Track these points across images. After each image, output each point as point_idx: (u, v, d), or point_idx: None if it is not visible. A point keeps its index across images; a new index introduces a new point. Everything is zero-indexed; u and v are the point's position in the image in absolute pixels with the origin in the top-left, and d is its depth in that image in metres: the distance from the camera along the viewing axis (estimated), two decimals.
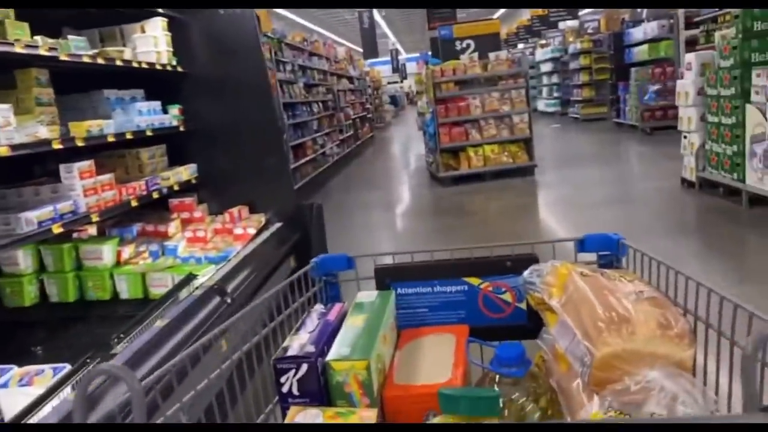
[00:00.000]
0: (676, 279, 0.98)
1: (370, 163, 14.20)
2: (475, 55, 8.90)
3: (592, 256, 1.23)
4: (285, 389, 0.94)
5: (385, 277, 1.23)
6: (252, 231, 3.80)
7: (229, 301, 2.77)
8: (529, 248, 1.23)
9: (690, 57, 6.73)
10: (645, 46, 12.71)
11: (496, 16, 27.61)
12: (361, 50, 23.16)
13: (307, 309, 1.18)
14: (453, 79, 8.80)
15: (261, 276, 3.38)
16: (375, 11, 21.96)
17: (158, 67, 3.61)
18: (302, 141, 10.35)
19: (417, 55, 32.18)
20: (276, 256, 3.76)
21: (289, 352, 0.95)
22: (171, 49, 3.79)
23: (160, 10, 3.74)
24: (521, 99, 8.82)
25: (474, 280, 1.20)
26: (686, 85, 6.72)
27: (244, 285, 3.08)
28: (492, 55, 8.87)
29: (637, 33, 13.12)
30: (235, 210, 3.95)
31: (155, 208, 3.96)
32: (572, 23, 18.51)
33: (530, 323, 1.12)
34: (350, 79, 16.69)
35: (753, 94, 5.49)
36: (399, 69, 35.59)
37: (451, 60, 8.90)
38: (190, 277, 2.81)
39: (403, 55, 39.39)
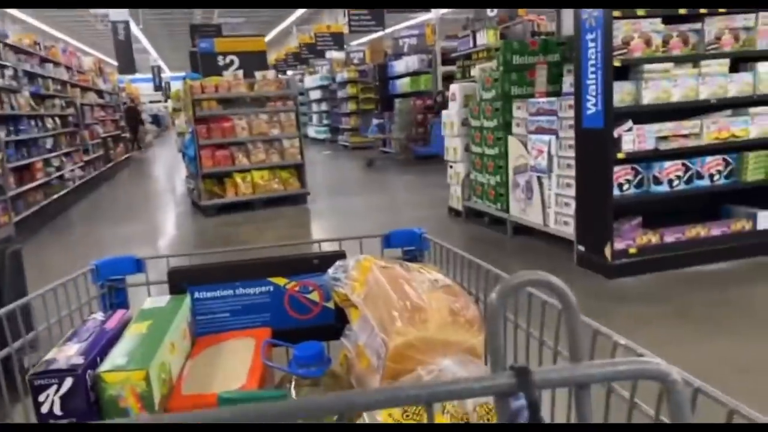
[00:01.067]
0: (469, 268, 1.04)
1: (125, 189, 12.40)
2: (240, 72, 8.08)
3: (398, 252, 1.26)
4: (45, 409, 0.81)
5: (181, 280, 1.10)
6: None
7: None
8: (337, 246, 1.21)
9: (454, 88, 6.76)
10: (407, 79, 13.15)
11: (267, 39, 27.10)
12: (116, 64, 20.79)
13: (83, 318, 1.04)
14: (215, 96, 7.86)
15: None
16: (132, 23, 19.84)
17: None
18: (29, 162, 8.44)
19: (183, 74, 30.20)
20: None
21: (53, 366, 0.81)
22: None
23: None
24: (291, 123, 8.22)
25: (280, 280, 1.13)
26: (451, 115, 6.72)
27: None
28: (258, 74, 8.14)
29: (400, 66, 13.55)
30: None
31: None
32: (339, 54, 18.72)
33: (338, 323, 1.06)
34: (99, 93, 14.63)
35: (514, 126, 5.56)
36: (162, 87, 33.05)
37: (213, 76, 7.95)
38: None
39: (167, 73, 36.78)
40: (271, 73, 8.26)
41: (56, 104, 10.28)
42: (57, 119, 10.19)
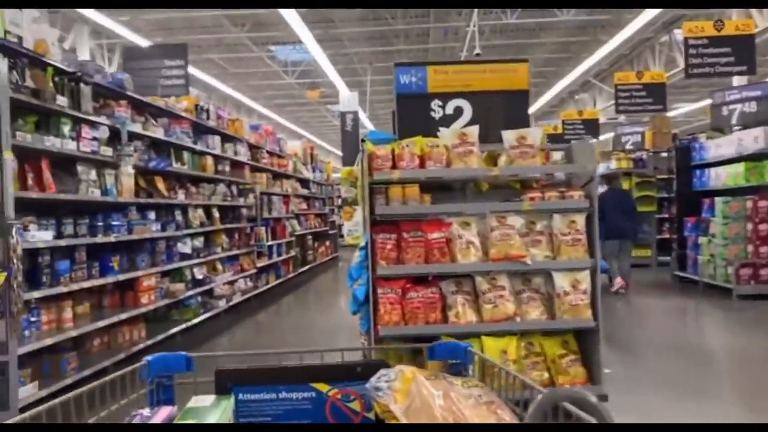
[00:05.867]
0: (514, 383, 0.99)
1: (300, 313, 8.51)
2: (473, 130, 3.64)
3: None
4: None
5: (227, 381, 1.05)
6: None
7: None
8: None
9: None
10: (738, 167, 7.63)
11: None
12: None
13: (130, 412, 0.99)
14: (415, 176, 3.50)
15: None
16: (361, 113, 17.60)
17: None
18: (133, 276, 4.95)
19: None
20: None
21: None
22: None
23: None
24: (577, 236, 3.46)
25: (322, 386, 1.06)
26: None
27: None
28: (509, 136, 3.61)
29: (723, 147, 8.09)
30: None
31: None
32: (602, 138, 13.72)
33: None
34: (303, 182, 11.63)
35: None
36: None
37: (416, 137, 3.63)
38: None
39: None
40: (535, 133, 3.74)
41: (217, 191, 7.00)
42: (213, 211, 6.87)
